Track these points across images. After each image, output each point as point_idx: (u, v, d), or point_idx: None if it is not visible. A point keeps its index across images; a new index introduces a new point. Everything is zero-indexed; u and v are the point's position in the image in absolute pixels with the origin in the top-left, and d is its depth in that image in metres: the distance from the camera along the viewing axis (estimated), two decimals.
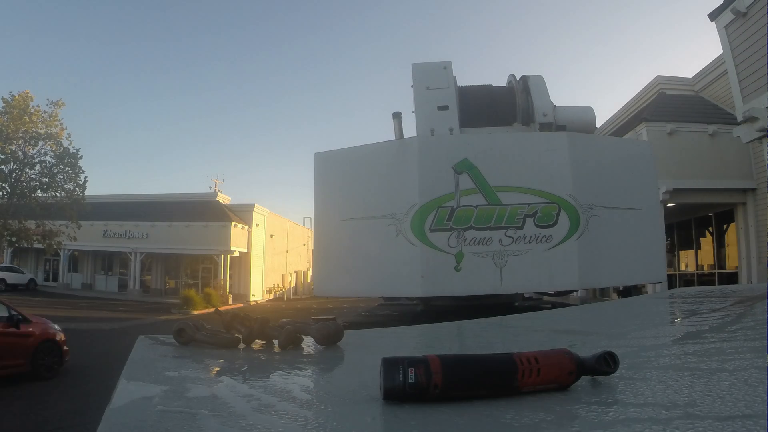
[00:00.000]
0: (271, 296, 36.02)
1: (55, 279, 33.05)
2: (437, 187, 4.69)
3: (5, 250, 20.80)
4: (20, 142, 16.38)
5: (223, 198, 34.10)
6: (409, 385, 0.63)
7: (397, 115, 5.48)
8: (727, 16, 8.89)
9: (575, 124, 5.55)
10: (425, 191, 4.69)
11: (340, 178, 5.29)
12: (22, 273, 29.76)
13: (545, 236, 4.70)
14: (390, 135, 5.59)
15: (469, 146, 4.87)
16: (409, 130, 5.49)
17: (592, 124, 5.86)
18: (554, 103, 5.77)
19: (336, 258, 5.22)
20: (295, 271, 44.04)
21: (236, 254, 31.22)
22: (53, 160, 17.12)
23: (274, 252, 37.63)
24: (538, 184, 4.76)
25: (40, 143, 16.84)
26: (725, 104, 14.00)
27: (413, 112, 5.61)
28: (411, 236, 4.64)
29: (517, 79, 6.08)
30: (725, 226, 15.13)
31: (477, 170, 4.67)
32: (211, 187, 34.66)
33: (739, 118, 9.10)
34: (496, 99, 6.03)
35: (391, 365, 0.65)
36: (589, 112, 5.84)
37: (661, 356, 1.04)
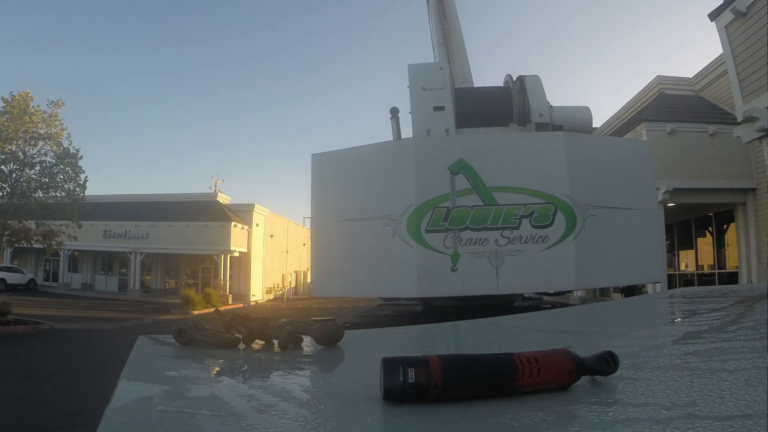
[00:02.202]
0: (271, 296, 36.03)
1: (55, 279, 33.06)
2: (433, 188, 4.70)
3: (5, 250, 20.77)
4: (20, 142, 16.37)
5: (223, 198, 34.11)
6: (409, 385, 0.63)
7: (394, 113, 5.48)
8: (727, 16, 8.89)
9: (572, 124, 5.56)
10: (421, 192, 4.71)
11: (336, 179, 5.31)
12: (22, 273, 29.76)
13: (541, 236, 4.71)
14: (389, 135, 5.61)
15: (464, 147, 4.89)
16: (408, 129, 5.51)
17: (589, 123, 5.86)
18: (550, 103, 5.78)
19: (333, 259, 5.24)
20: (295, 271, 44.03)
21: (236, 254, 31.22)
22: (53, 160, 17.11)
23: (274, 252, 37.63)
24: (534, 185, 4.77)
25: (40, 143, 16.81)
26: (725, 104, 13.99)
27: (410, 113, 5.62)
28: (407, 237, 4.67)
29: (514, 79, 6.09)
30: (725, 226, 15.14)
31: (473, 171, 4.68)
32: (211, 188, 34.70)
33: (739, 118, 9.10)
34: (493, 99, 6.06)
35: (391, 365, 0.65)
36: (585, 111, 5.84)
37: (661, 356, 1.04)
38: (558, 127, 5.51)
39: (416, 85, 5.45)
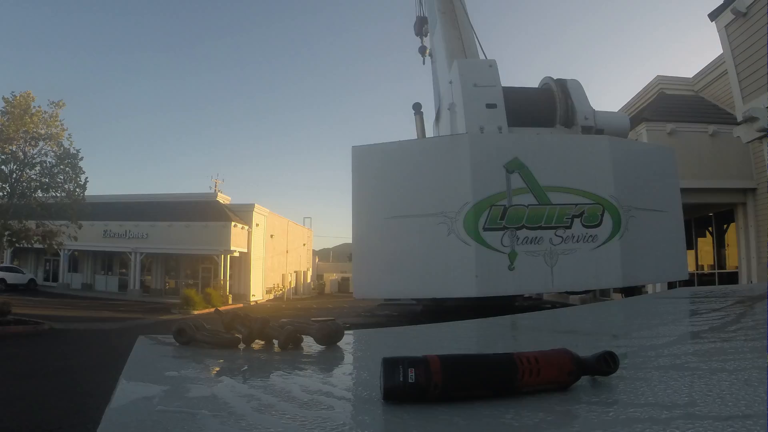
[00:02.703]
0: (271, 296, 36.02)
1: (55, 279, 33.05)
2: (489, 186, 4.67)
3: (5, 250, 20.77)
4: (21, 143, 16.38)
5: (223, 198, 34.11)
6: (409, 385, 0.63)
7: (417, 108, 5.39)
8: (727, 16, 8.88)
9: (611, 129, 5.65)
10: (478, 189, 4.66)
11: (381, 173, 5.08)
12: (22, 273, 29.76)
13: (591, 236, 4.82)
14: (395, 132, 5.57)
15: (519, 145, 4.88)
16: (428, 126, 5.35)
17: (626, 129, 5.99)
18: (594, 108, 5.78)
19: (379, 258, 4.98)
20: (295, 271, 44.04)
21: (236, 254, 31.22)
22: (53, 161, 17.12)
23: (274, 252, 37.63)
24: (583, 185, 4.84)
25: (41, 143, 16.83)
26: (725, 104, 13.99)
27: (449, 108, 5.52)
28: (464, 235, 4.59)
29: (555, 81, 6.05)
30: (725, 226, 15.13)
31: (527, 170, 4.70)
32: (211, 187, 34.70)
33: (739, 118, 9.10)
34: (536, 100, 5.98)
35: (391, 365, 0.65)
36: (624, 118, 6.02)
37: (661, 356, 1.04)
38: (599, 131, 5.56)
39: (467, 81, 5.33)
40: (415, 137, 6.07)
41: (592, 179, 4.88)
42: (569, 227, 4.74)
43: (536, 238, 4.67)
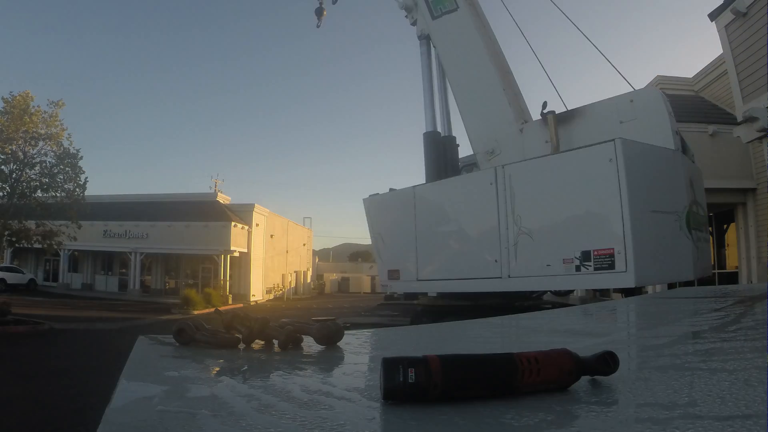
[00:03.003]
0: (271, 296, 36.04)
1: (55, 279, 33.09)
2: (689, 194, 6.09)
3: (5, 250, 20.77)
4: (20, 143, 16.39)
5: (223, 198, 34.14)
6: (409, 385, 0.63)
7: (545, 105, 6.84)
8: (727, 16, 8.89)
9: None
10: (688, 195, 6.04)
11: (645, 169, 5.91)
12: (22, 273, 29.79)
13: (706, 237, 6.64)
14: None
15: (690, 167, 6.45)
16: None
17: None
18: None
19: (651, 246, 5.72)
20: (295, 271, 44.06)
21: (236, 254, 31.24)
22: (53, 161, 17.13)
23: (274, 252, 37.65)
24: (702, 201, 6.57)
25: (41, 143, 16.84)
26: (725, 104, 13.99)
27: (621, 122, 6.56)
28: (686, 231, 5.86)
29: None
30: (725, 226, 15.13)
31: (692, 186, 6.21)
32: (211, 187, 34.74)
33: (739, 118, 9.11)
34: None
35: (391, 365, 0.65)
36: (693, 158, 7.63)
37: (661, 356, 1.04)
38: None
39: (669, 108, 6.58)
40: (543, 134, 7.04)
41: (701, 197, 6.64)
42: (703, 231, 6.44)
43: (699, 237, 6.20)
